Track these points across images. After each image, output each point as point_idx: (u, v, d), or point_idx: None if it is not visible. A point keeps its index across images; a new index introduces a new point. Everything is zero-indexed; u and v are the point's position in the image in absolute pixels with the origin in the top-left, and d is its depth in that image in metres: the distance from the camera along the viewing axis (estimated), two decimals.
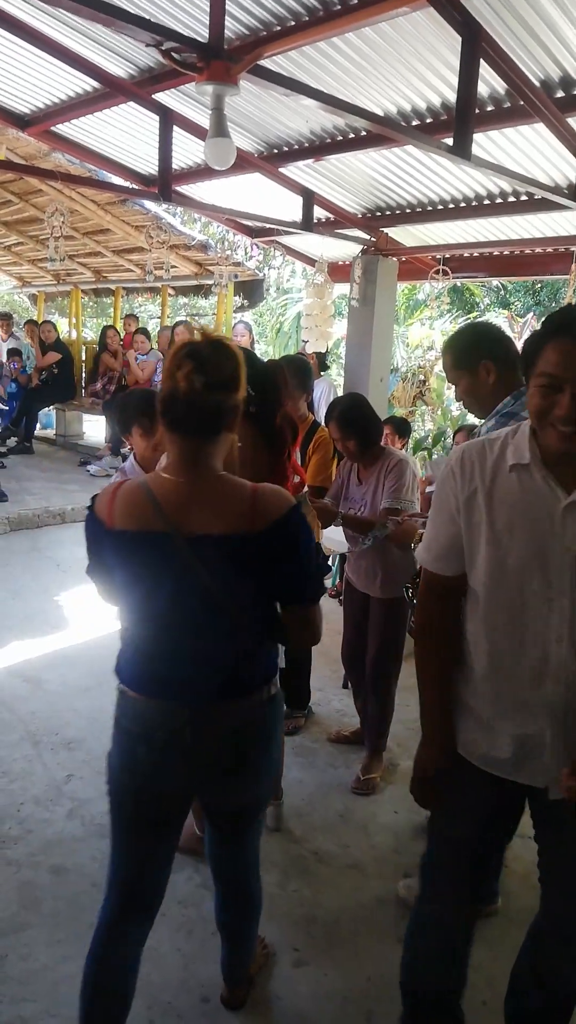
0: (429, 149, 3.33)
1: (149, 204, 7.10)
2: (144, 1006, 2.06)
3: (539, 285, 13.60)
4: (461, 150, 3.25)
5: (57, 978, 2.14)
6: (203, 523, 1.53)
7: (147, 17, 2.54)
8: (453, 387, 2.40)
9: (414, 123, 4.05)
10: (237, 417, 1.59)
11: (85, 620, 4.68)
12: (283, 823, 2.86)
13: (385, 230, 5.96)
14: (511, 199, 5.00)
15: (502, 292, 13.67)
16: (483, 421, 2.24)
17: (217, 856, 1.93)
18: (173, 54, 2.25)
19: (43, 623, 4.64)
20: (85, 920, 2.34)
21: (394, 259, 6.08)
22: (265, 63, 2.60)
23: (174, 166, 4.99)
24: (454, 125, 3.33)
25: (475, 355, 2.20)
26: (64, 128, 5.52)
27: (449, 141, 3.37)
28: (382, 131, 3.30)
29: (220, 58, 2.26)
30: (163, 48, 2.24)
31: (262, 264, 11.13)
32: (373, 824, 2.93)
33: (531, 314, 10.08)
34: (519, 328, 8.86)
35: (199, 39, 2.37)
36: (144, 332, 9.13)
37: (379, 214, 5.82)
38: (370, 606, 3.16)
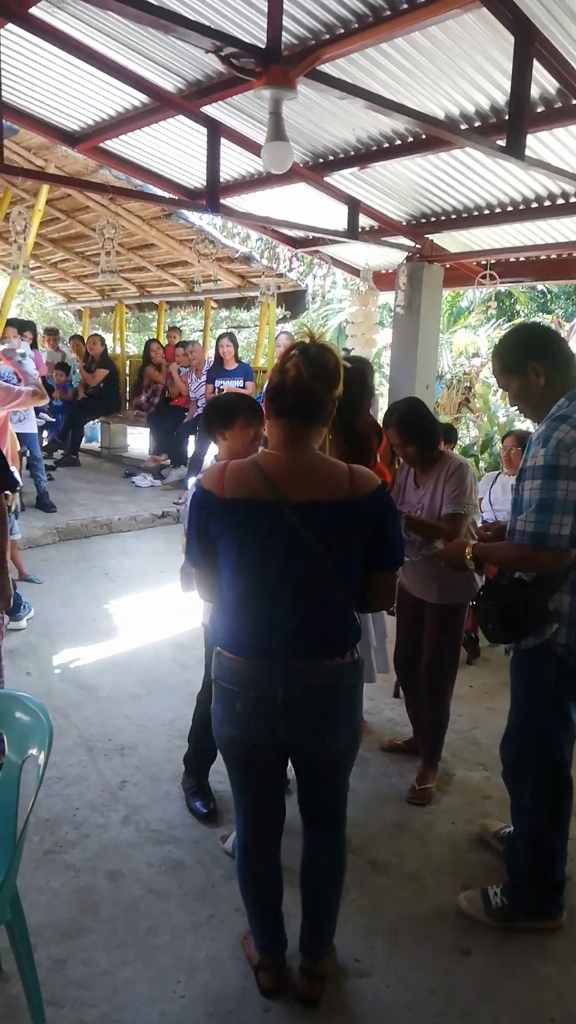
0: (482, 150, 3.32)
1: (193, 217, 7.19)
2: (205, 1013, 2.04)
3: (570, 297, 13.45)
4: (514, 150, 3.23)
5: (117, 983, 2.12)
6: (309, 491, 1.75)
7: (207, 24, 2.60)
8: (505, 392, 2.36)
9: (463, 127, 4.03)
10: (332, 412, 1.80)
11: (134, 628, 4.72)
12: None
13: (430, 236, 5.94)
14: (560, 201, 4.95)
15: (543, 299, 13.52)
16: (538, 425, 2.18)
17: (306, 812, 2.05)
18: (232, 60, 2.28)
19: (94, 631, 4.68)
20: (143, 926, 2.34)
21: (439, 265, 6.05)
22: (321, 67, 2.62)
23: (220, 178, 5.04)
24: (506, 126, 3.30)
25: (522, 358, 2.15)
26: (111, 144, 5.62)
27: (501, 142, 3.34)
28: (436, 133, 3.31)
29: (278, 62, 2.28)
30: (222, 54, 2.27)
31: (304, 275, 11.17)
32: (430, 834, 2.87)
33: None
34: (565, 333, 8.74)
35: (257, 44, 2.39)
36: (184, 345, 9.20)
37: (424, 221, 5.81)
38: (425, 613, 3.11)
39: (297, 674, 1.80)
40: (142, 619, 4.88)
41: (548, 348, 2.16)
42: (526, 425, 6.67)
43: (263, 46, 2.31)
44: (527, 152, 3.34)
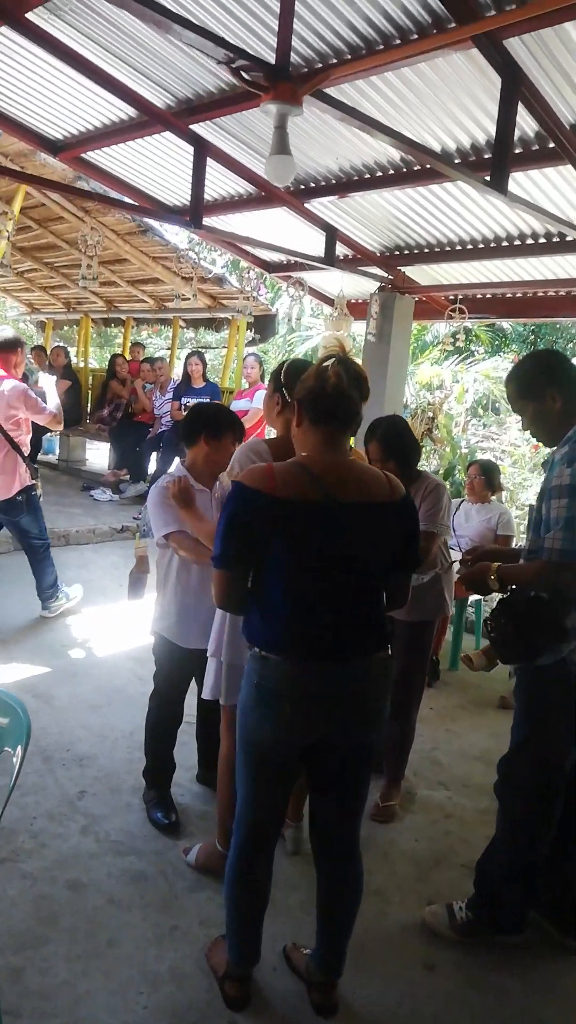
0: (469, 182, 3.43)
1: (169, 236, 7.23)
2: None
3: (534, 336, 13.91)
4: (498, 185, 3.35)
5: (78, 994, 2.05)
6: (357, 493, 1.81)
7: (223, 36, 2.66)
8: (519, 417, 2.38)
9: (456, 161, 4.17)
10: (359, 424, 1.88)
11: (92, 640, 4.63)
12: (303, 846, 2.79)
13: (402, 268, 6.09)
14: (529, 241, 5.14)
15: (500, 340, 13.97)
16: (553, 449, 2.23)
17: (325, 823, 2.06)
18: (242, 73, 2.33)
19: (52, 641, 4.57)
20: (104, 937, 2.28)
21: (410, 297, 6.20)
22: (324, 89, 2.71)
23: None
24: (489, 164, 3.44)
25: (540, 384, 2.20)
26: (94, 155, 5.64)
27: (486, 178, 3.47)
28: (429, 163, 3.41)
29: (287, 80, 2.34)
30: (233, 66, 2.32)
31: (271, 301, 11.30)
32: (393, 851, 2.87)
33: None
34: None
35: (267, 61, 2.45)
36: (150, 361, 9.19)
37: (397, 253, 5.96)
38: (394, 630, 3.14)
39: (352, 670, 1.84)
40: (100, 631, 4.80)
41: (565, 374, 2.22)
42: (501, 448, 6.82)
43: (272, 63, 2.38)
44: (509, 189, 3.48)
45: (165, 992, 2.09)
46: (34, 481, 4.78)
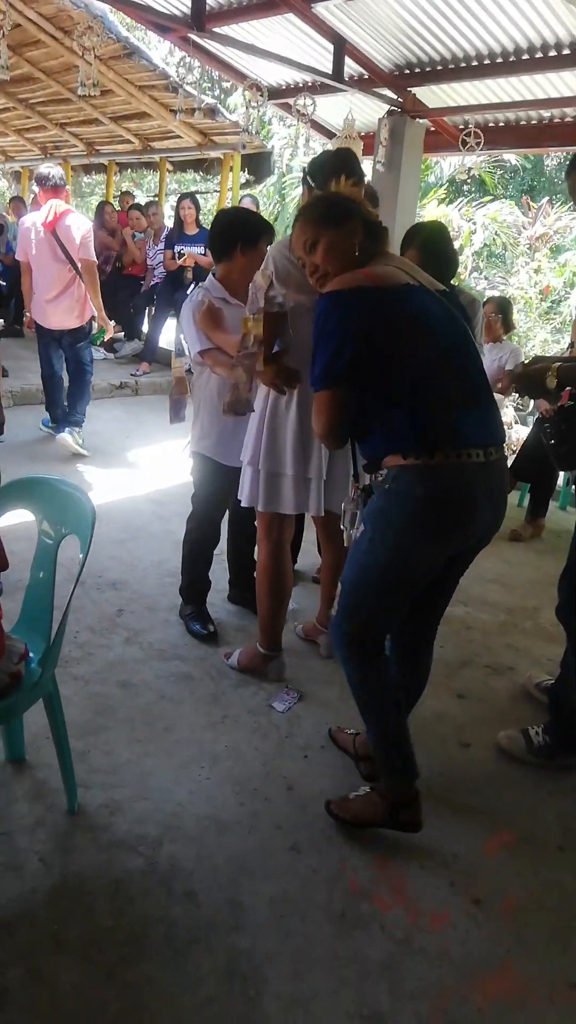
0: None
1: (157, 60, 6.65)
2: (232, 791, 2.14)
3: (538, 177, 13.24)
4: None
5: (142, 770, 2.20)
6: (430, 284, 1.87)
7: None
8: None
9: None
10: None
11: (109, 485, 4.64)
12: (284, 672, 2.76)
13: (413, 90, 5.67)
14: (552, 53, 4.77)
15: (500, 185, 13.33)
16: None
17: (421, 620, 2.09)
18: None
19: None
20: (160, 725, 2.41)
21: (421, 121, 5.81)
22: None
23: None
24: None
25: None
26: None
27: None
28: None
29: None
30: None
31: (266, 138, 10.58)
32: None
33: (546, 199, 9.77)
34: (533, 213, 8.63)
35: None
36: (139, 208, 8.71)
37: (408, 72, 5.54)
38: None
39: (496, 460, 1.81)
40: (115, 477, 4.81)
41: None
42: (508, 294, 6.58)
43: None
44: None
45: (225, 766, 2.25)
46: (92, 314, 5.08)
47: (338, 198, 1.91)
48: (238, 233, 2.59)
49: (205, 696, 2.59)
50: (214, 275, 2.73)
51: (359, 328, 1.71)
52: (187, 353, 2.70)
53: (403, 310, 1.75)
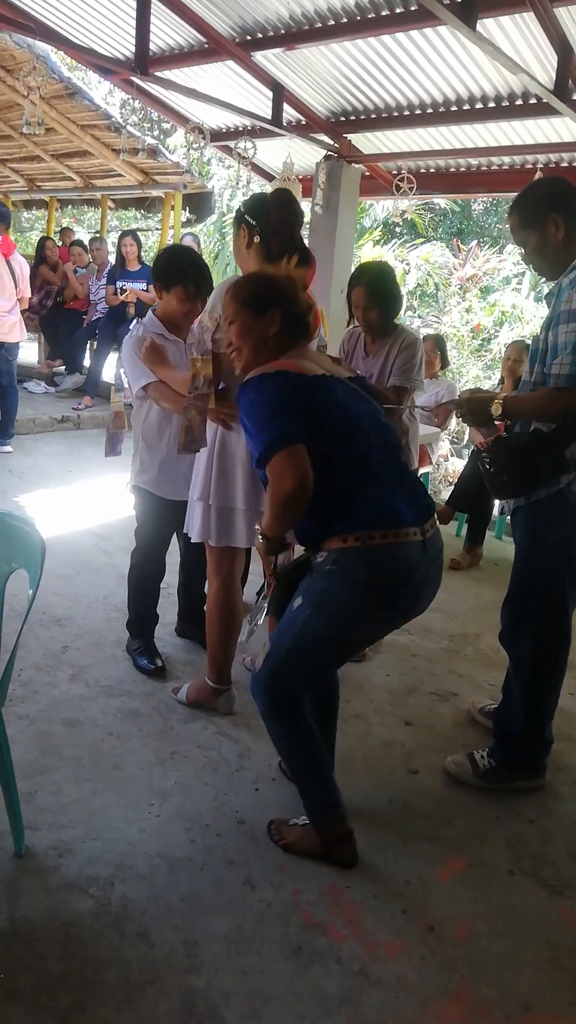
0: (436, 14, 3.25)
1: (98, 100, 6.73)
2: (183, 828, 2.12)
3: (468, 221, 13.79)
4: (467, 19, 3.24)
5: (91, 809, 2.16)
6: (339, 372, 1.97)
7: None
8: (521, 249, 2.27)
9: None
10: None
11: (51, 519, 4.58)
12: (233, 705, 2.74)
13: (348, 136, 5.89)
14: (479, 105, 5.03)
15: (431, 227, 13.85)
16: (555, 282, 2.16)
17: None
18: None
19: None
20: (108, 762, 2.37)
21: (357, 166, 6.03)
22: None
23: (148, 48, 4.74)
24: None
25: (542, 210, 2.10)
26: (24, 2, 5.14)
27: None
28: None
29: None
30: None
31: (206, 177, 10.78)
32: (368, 684, 3.05)
33: (475, 242, 10.20)
34: (463, 256, 8.98)
35: None
36: (80, 244, 8.74)
37: (343, 119, 5.75)
38: None
39: (434, 538, 1.87)
40: (57, 511, 4.74)
41: (569, 201, 2.12)
42: (441, 332, 6.77)
43: None
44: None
45: (175, 802, 2.22)
46: None
47: (271, 285, 1.92)
48: (175, 274, 2.65)
49: (154, 732, 2.56)
50: (154, 312, 2.77)
51: (293, 402, 1.75)
52: (127, 387, 2.72)
53: (328, 396, 1.82)
